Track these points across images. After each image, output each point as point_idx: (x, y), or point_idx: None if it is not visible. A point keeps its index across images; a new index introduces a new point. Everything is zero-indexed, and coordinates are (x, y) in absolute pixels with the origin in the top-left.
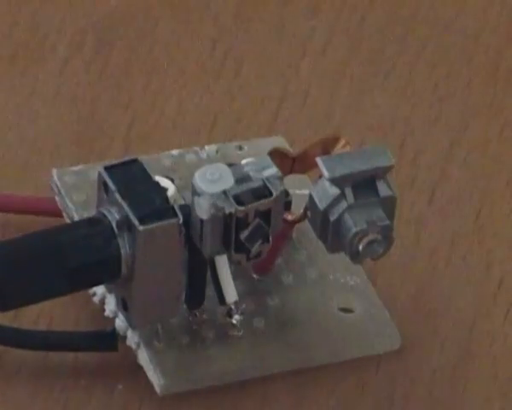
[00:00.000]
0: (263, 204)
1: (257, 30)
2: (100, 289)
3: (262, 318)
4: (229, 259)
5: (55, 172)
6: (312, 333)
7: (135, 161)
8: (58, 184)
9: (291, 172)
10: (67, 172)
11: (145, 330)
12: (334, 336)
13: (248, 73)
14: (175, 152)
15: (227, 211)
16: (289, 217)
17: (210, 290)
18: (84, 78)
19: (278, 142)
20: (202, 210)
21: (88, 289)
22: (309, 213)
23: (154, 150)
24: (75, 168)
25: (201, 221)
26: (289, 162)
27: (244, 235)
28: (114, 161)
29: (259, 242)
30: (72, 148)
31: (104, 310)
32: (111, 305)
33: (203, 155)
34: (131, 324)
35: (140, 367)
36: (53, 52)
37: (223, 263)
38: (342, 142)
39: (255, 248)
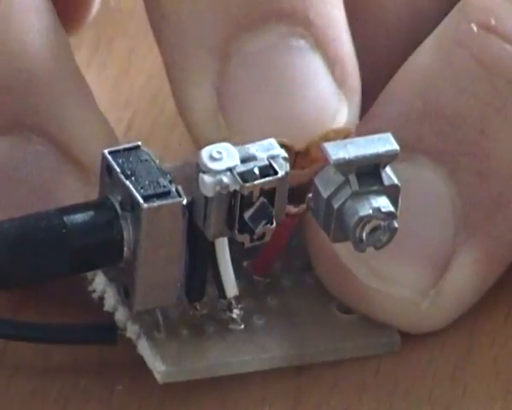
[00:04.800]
0: (268, 182)
1: None
2: (99, 286)
3: (262, 315)
4: (233, 238)
5: None
6: (312, 332)
7: (138, 147)
8: None
9: (294, 167)
10: None
11: (145, 321)
12: (333, 336)
13: None
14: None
15: (232, 188)
16: (292, 210)
17: (210, 285)
18: None
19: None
20: (207, 187)
21: (89, 287)
22: (312, 204)
23: (154, 150)
24: None
25: (206, 199)
26: (292, 156)
27: (248, 214)
28: (118, 147)
29: (263, 222)
30: None
31: (103, 306)
32: (110, 300)
33: None
34: (132, 307)
35: (140, 368)
36: None
37: (224, 254)
38: (345, 133)
39: (259, 229)
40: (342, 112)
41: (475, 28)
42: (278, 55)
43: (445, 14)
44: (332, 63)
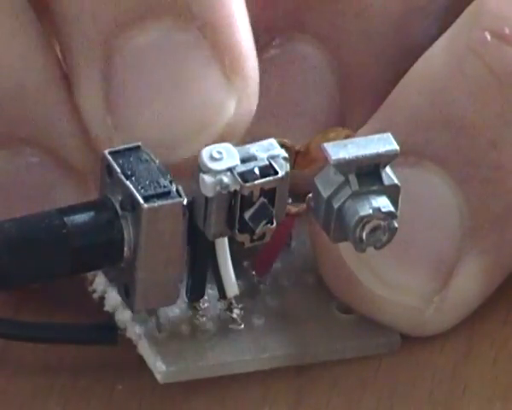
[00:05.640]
0: (268, 182)
1: None
2: (100, 286)
3: (262, 315)
4: (233, 238)
5: None
6: (312, 332)
7: (138, 147)
8: None
9: (294, 166)
10: None
11: (145, 321)
12: (333, 336)
13: None
14: None
15: (232, 188)
16: (292, 209)
17: (210, 283)
18: None
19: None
20: (207, 187)
21: (89, 287)
22: (312, 204)
23: None
24: None
25: (206, 199)
26: (292, 156)
27: (249, 214)
28: (118, 147)
29: (264, 222)
30: None
31: (104, 306)
32: (111, 300)
33: None
34: (133, 308)
35: (140, 368)
36: None
37: (224, 254)
38: (345, 132)
39: (259, 229)
40: (229, 104)
41: (489, 36)
42: (162, 51)
43: (435, 4)
44: (220, 53)
